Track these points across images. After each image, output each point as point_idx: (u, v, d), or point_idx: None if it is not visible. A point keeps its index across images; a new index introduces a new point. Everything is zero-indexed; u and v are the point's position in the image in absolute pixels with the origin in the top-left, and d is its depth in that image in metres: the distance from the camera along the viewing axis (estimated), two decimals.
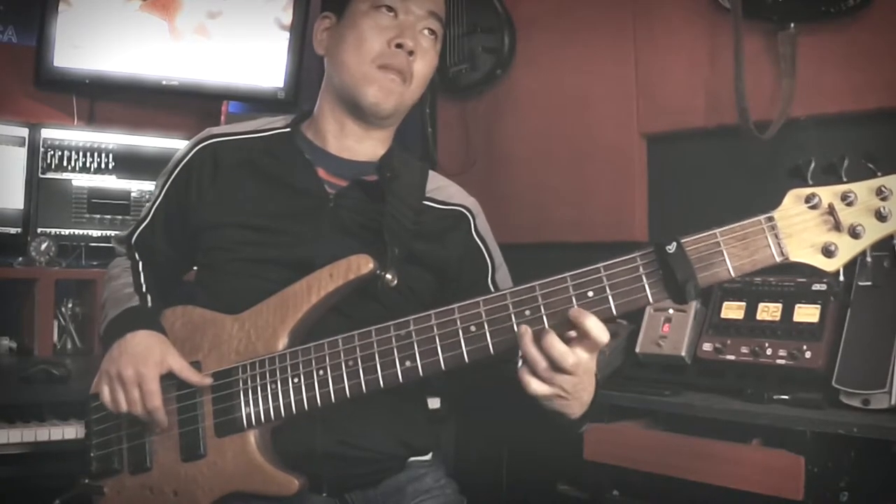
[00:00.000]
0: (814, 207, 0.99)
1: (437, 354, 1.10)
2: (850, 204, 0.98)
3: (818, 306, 1.71)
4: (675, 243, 1.00)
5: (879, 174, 0.99)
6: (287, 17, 2.67)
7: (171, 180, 1.37)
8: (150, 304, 1.31)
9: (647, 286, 1.02)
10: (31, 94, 2.48)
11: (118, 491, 1.26)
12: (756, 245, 0.99)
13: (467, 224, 1.36)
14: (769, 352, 1.70)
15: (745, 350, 1.74)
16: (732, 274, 0.99)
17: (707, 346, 1.79)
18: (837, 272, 1.03)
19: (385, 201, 1.28)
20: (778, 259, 0.99)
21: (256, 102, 2.72)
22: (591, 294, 1.04)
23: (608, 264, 1.04)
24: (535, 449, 1.91)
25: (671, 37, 2.18)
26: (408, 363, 1.11)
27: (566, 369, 1.04)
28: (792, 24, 1.94)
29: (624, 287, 1.03)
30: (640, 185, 2.27)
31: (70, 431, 1.80)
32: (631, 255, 1.03)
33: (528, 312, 1.06)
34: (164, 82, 2.55)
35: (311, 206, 1.29)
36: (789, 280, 1.78)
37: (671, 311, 1.87)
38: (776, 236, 0.99)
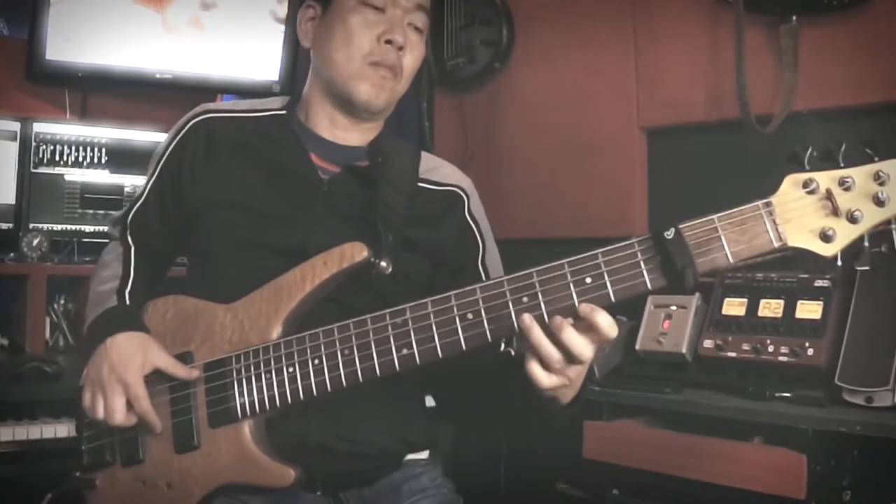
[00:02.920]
0: (811, 193, 0.98)
1: (434, 342, 1.08)
2: (847, 189, 0.97)
3: (820, 303, 1.69)
4: (673, 229, 1.00)
5: (877, 159, 0.99)
6: (282, 10, 2.65)
7: (165, 157, 1.35)
8: (127, 300, 1.29)
9: (645, 272, 1.01)
10: (22, 88, 2.45)
11: (110, 484, 1.24)
12: (754, 231, 0.98)
13: (462, 204, 1.34)
14: (771, 349, 1.69)
15: (746, 347, 1.72)
16: (731, 260, 0.99)
17: (708, 343, 1.77)
18: (835, 257, 1.03)
19: (377, 188, 1.26)
20: (776, 244, 0.98)
21: (251, 96, 2.68)
22: (588, 281, 1.03)
23: (606, 251, 1.03)
24: (533, 447, 1.90)
25: (671, 30, 2.17)
26: (404, 351, 1.10)
27: (584, 361, 1.03)
28: (794, 17, 1.92)
29: (622, 273, 1.02)
30: (640, 179, 2.26)
31: (62, 429, 1.79)
32: (628, 241, 1.02)
33: (525, 299, 1.05)
34: (157, 76, 2.53)
35: (304, 192, 1.27)
36: (791, 276, 1.76)
37: (672, 307, 1.86)
38: (774, 222, 0.98)
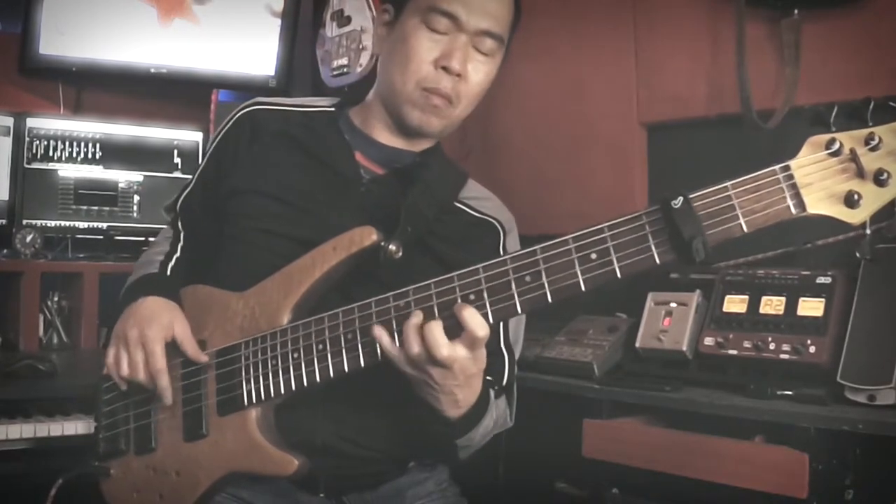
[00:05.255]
0: (834, 154, 0.90)
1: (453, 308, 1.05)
2: (874, 149, 0.89)
3: (822, 300, 1.67)
4: (681, 198, 0.94)
5: None
6: (279, 4, 2.63)
7: (214, 146, 1.36)
8: (168, 272, 1.31)
9: (653, 246, 0.96)
10: (16, 83, 2.45)
11: (124, 472, 1.25)
12: (771, 197, 0.91)
13: (496, 238, 1.33)
14: (772, 346, 1.67)
15: (747, 345, 1.70)
16: (745, 229, 0.93)
17: (709, 341, 1.75)
18: (864, 224, 0.96)
19: (413, 186, 1.25)
20: (795, 212, 0.91)
21: (247, 91, 2.67)
22: (594, 257, 0.99)
23: (612, 224, 0.98)
24: (532, 446, 1.88)
25: (672, 23, 2.15)
26: None
27: (437, 359, 1.02)
28: (796, 11, 1.90)
29: (629, 248, 0.97)
30: (640, 175, 2.24)
31: (56, 428, 1.78)
32: (636, 213, 0.98)
33: (528, 279, 1.02)
34: (152, 70, 2.51)
35: (341, 189, 1.27)
36: (793, 273, 1.74)
37: (672, 304, 1.84)
38: (793, 187, 0.91)
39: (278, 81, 2.65)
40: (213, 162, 1.35)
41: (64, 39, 2.38)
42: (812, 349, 1.62)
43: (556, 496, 1.90)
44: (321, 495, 1.22)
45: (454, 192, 1.31)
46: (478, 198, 1.35)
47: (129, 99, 2.59)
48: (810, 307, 1.68)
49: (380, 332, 1.07)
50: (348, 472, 1.22)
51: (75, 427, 1.77)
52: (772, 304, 1.73)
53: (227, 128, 1.35)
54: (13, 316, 2.21)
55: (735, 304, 1.77)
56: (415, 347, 1.03)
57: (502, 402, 1.28)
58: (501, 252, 1.32)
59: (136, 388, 1.22)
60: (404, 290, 1.08)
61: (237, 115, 1.35)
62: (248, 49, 2.61)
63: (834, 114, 0.88)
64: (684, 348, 1.79)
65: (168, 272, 1.32)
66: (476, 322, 1.02)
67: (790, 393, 1.59)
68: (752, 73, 1.94)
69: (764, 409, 1.56)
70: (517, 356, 1.32)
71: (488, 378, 1.19)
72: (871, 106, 0.93)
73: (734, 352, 1.72)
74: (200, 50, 2.55)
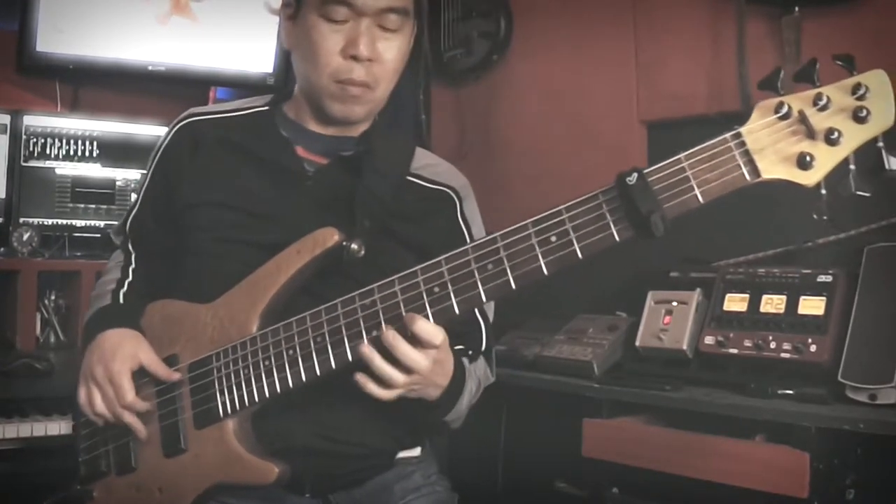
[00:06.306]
0: (784, 118, 0.91)
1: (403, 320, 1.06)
2: (823, 109, 0.90)
3: (823, 298, 1.67)
4: (635, 174, 0.95)
5: (855, 73, 0.92)
6: (276, 1, 2.61)
7: (155, 163, 1.35)
8: (121, 301, 1.30)
9: (612, 224, 0.97)
10: (13, 80, 2.43)
11: (107, 493, 1.24)
12: (725, 166, 0.92)
13: (452, 207, 1.31)
14: (773, 345, 1.66)
15: (748, 343, 1.70)
16: (701, 200, 0.93)
17: (709, 340, 1.75)
18: (818, 186, 0.94)
19: (361, 175, 1.24)
20: (749, 178, 0.92)
21: (245, 88, 2.66)
22: (554, 239, 1.00)
23: (570, 205, 1.00)
24: (531, 445, 1.88)
25: (672, 21, 2.14)
26: (375, 332, 1.07)
27: (419, 373, 1.05)
28: (796, 9, 1.90)
29: (588, 228, 0.98)
30: None
31: (53, 427, 1.77)
32: (592, 192, 0.99)
33: (490, 266, 1.02)
34: (150, 68, 2.50)
35: (289, 186, 1.26)
36: (793, 271, 1.74)
37: (673, 303, 1.83)
38: (746, 153, 0.92)
39: (276, 79, 2.64)
40: (158, 179, 1.34)
41: (61, 37, 2.37)
42: (813, 348, 1.62)
43: (555, 496, 1.89)
44: (307, 495, 1.22)
45: (404, 168, 1.29)
46: (428, 165, 1.33)
47: (127, 96, 2.58)
48: (811, 306, 1.68)
49: (366, 384, 1.08)
50: (333, 470, 1.22)
51: (72, 426, 1.76)
52: (772, 303, 1.72)
53: (166, 143, 1.33)
54: (10, 315, 2.19)
55: (735, 302, 1.77)
56: (395, 375, 1.06)
57: (481, 363, 1.28)
58: (461, 221, 1.31)
59: (113, 424, 1.21)
60: (369, 288, 1.08)
61: (174, 129, 1.33)
62: (246, 47, 2.60)
63: (781, 77, 0.88)
64: (685, 347, 1.79)
65: (121, 300, 1.30)
66: (429, 331, 1.03)
67: (791, 392, 1.59)
68: (752, 70, 1.94)
69: (764, 408, 1.56)
70: (491, 320, 1.32)
71: (459, 347, 1.20)
72: (818, 66, 0.93)
73: (735, 351, 1.71)
74: (198, 48, 2.54)
